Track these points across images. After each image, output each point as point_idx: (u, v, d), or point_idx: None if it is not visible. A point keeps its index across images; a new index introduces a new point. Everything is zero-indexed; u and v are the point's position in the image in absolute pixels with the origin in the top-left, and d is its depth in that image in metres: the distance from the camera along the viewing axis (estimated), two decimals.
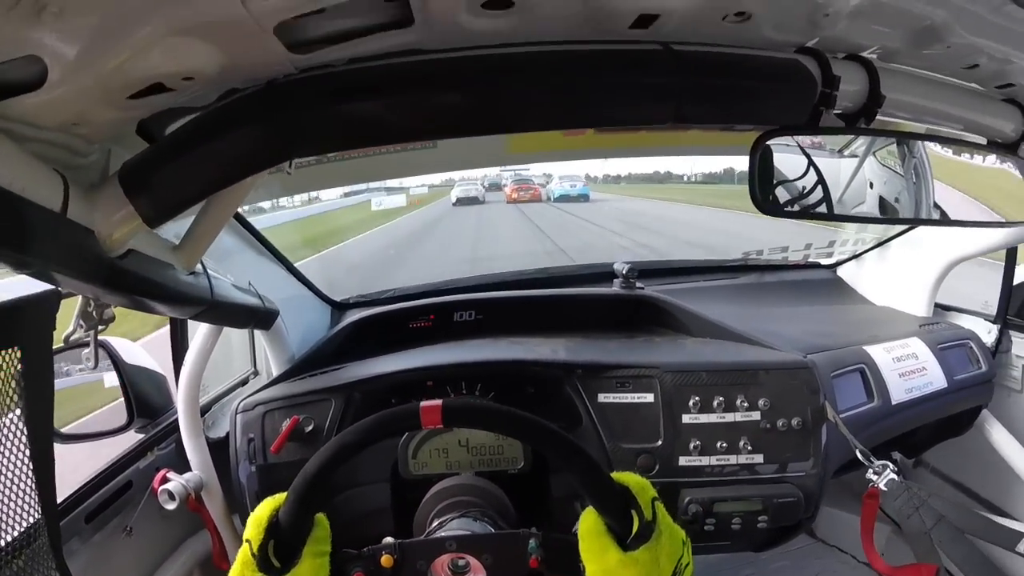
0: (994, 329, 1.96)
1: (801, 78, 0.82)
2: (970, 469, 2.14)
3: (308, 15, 0.59)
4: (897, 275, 2.14)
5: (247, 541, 0.89)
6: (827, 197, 1.03)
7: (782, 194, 0.97)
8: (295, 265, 1.80)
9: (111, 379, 1.45)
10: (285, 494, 0.91)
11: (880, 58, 0.93)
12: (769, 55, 0.82)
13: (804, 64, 0.82)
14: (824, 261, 2.50)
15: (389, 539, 0.94)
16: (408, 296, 1.86)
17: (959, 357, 1.82)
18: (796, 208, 1.01)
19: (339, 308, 1.96)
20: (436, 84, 0.71)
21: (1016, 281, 1.97)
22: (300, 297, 1.84)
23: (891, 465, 1.23)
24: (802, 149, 0.99)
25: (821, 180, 1.02)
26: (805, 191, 1.01)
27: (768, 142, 0.88)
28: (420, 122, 0.74)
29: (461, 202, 22.74)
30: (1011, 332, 1.96)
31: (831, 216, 1.05)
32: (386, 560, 0.91)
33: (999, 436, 1.90)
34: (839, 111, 0.91)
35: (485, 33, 0.70)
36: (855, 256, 2.36)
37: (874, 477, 1.24)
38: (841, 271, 2.38)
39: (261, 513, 0.91)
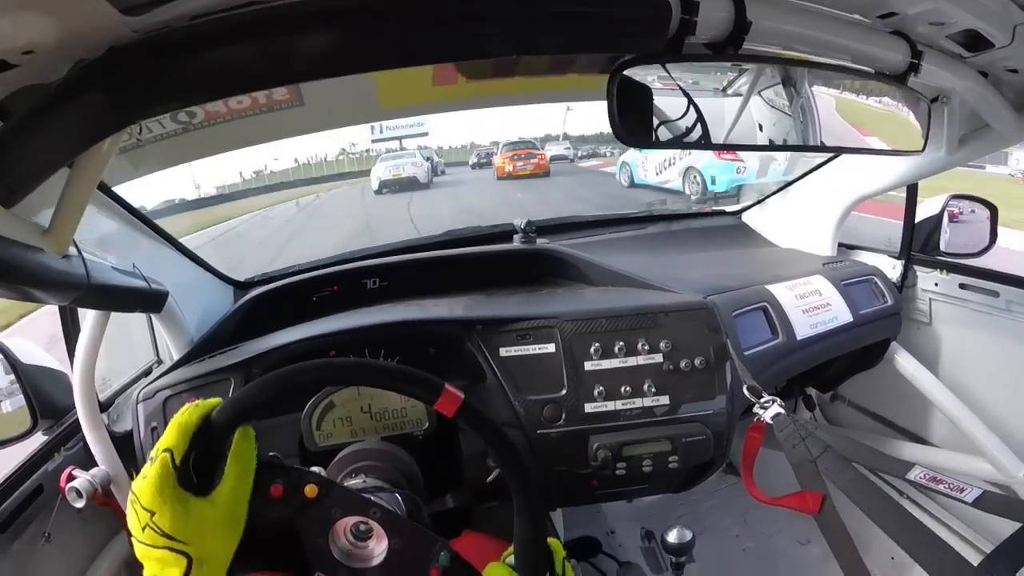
0: (899, 265, 2.03)
1: (655, 4, 0.80)
2: (885, 400, 2.24)
3: None
4: (799, 217, 2.19)
5: (167, 451, 0.80)
6: (703, 126, 1.02)
7: (651, 124, 0.95)
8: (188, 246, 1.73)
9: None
10: (215, 400, 0.86)
11: None
12: None
13: None
14: (729, 208, 2.53)
15: (321, 470, 0.93)
16: (313, 269, 1.82)
17: (864, 292, 1.88)
18: (667, 138, 0.99)
19: (242, 287, 1.90)
20: (269, 31, 0.70)
21: (918, 218, 2.04)
22: (199, 279, 1.77)
23: (778, 400, 1.26)
24: (676, 82, 0.98)
25: (697, 111, 1.01)
26: (679, 122, 1.00)
27: (627, 72, 0.87)
28: (255, 70, 0.73)
29: (387, 188, 15.56)
30: (916, 267, 2.03)
31: (706, 144, 1.05)
32: (310, 490, 0.88)
33: (910, 366, 1.98)
34: (705, 40, 0.90)
35: None
36: (758, 201, 2.40)
37: (760, 411, 1.27)
38: (746, 217, 2.42)
39: (187, 418, 0.83)
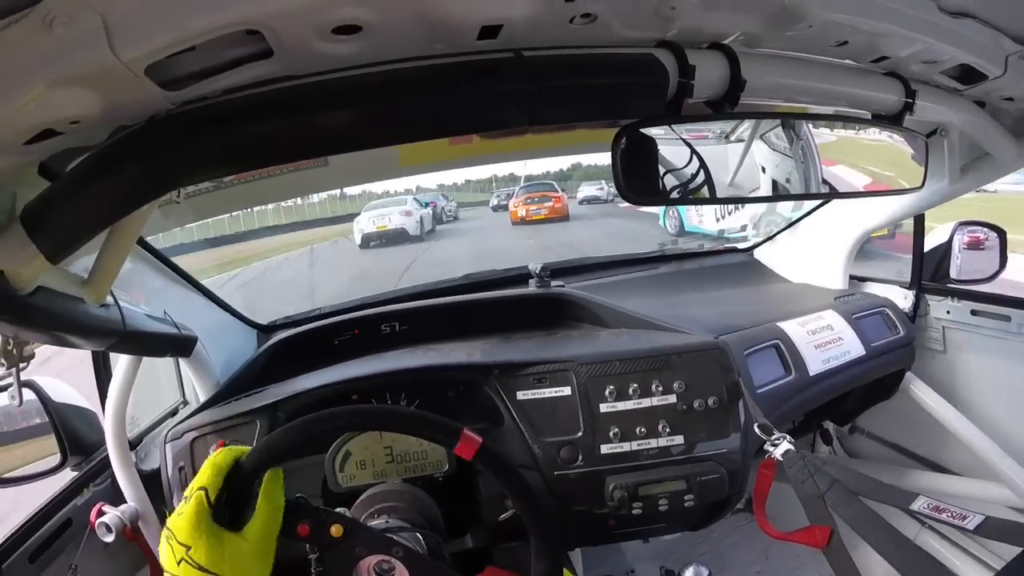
0: (910, 295, 2.03)
1: (654, 71, 0.85)
2: (903, 430, 2.22)
3: (176, 55, 0.62)
4: (809, 252, 2.20)
5: (202, 489, 0.86)
6: (708, 181, 1.05)
7: (657, 183, 0.99)
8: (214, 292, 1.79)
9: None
10: (243, 448, 0.92)
11: (745, 44, 0.96)
12: (624, 52, 0.86)
13: (658, 58, 0.85)
14: (740, 245, 2.56)
15: (345, 511, 0.97)
16: (335, 313, 1.86)
17: (876, 324, 1.88)
18: (674, 195, 1.03)
19: (265, 331, 1.95)
20: (300, 108, 0.74)
21: (927, 248, 2.05)
22: (223, 323, 1.82)
23: (787, 437, 1.27)
24: (683, 139, 1.01)
25: (703, 164, 1.05)
26: (686, 178, 1.03)
27: (630, 135, 0.90)
28: (287, 144, 0.77)
29: (374, 241, 13.40)
30: (927, 296, 2.03)
31: (712, 199, 1.08)
32: (335, 530, 0.93)
33: (926, 395, 1.97)
34: (704, 99, 0.94)
35: (344, 57, 0.73)
36: (769, 238, 2.41)
37: (770, 448, 1.28)
38: (757, 253, 2.43)
39: (222, 460, 0.89)
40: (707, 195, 1.07)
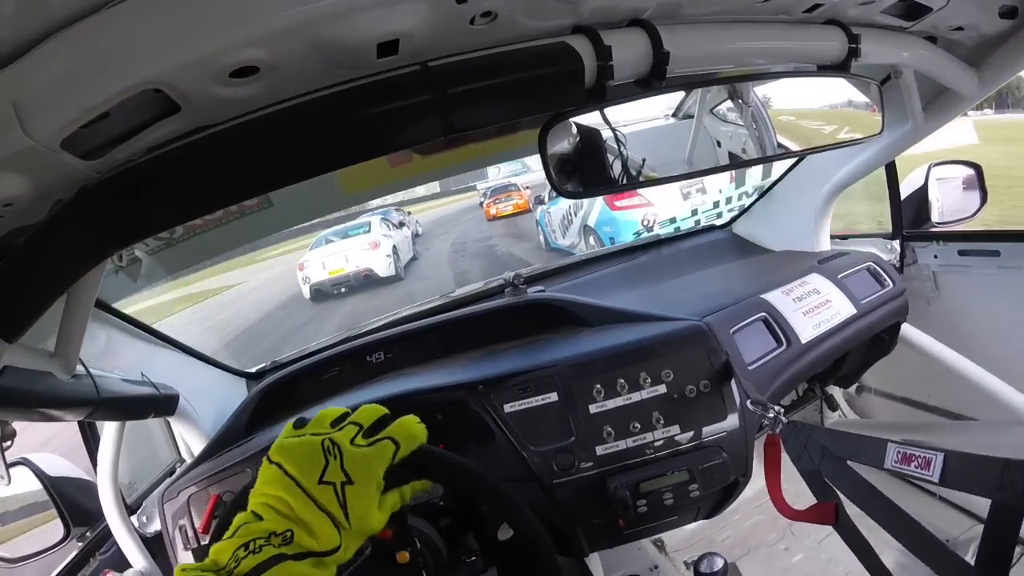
0: (894, 245, 2.00)
1: (566, 59, 0.83)
2: (912, 383, 2.20)
3: (89, 125, 0.64)
4: (786, 219, 2.16)
5: (394, 443, 0.81)
6: (630, 166, 1.02)
7: (589, 174, 0.95)
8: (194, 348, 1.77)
9: None
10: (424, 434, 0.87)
11: (665, 15, 0.93)
12: (532, 45, 0.83)
13: (570, 44, 0.83)
14: (717, 222, 2.51)
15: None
16: (321, 351, 1.84)
17: (863, 281, 1.84)
18: (605, 185, 1.00)
19: (254, 378, 1.93)
20: (216, 155, 0.74)
21: (903, 195, 2.02)
22: (210, 377, 1.81)
23: (778, 408, 1.24)
24: (611, 126, 0.98)
25: (620, 148, 1.01)
26: (619, 165, 1.00)
27: (553, 129, 0.87)
28: (211, 193, 0.78)
29: (330, 293, 10.01)
30: (911, 244, 2.00)
31: (644, 182, 1.05)
32: (402, 556, 0.90)
33: (927, 343, 1.94)
34: (631, 79, 0.91)
35: (251, 99, 0.73)
36: (744, 211, 2.37)
37: (766, 424, 1.25)
38: (736, 227, 2.39)
39: (420, 433, 0.85)
40: (636, 179, 1.03)
